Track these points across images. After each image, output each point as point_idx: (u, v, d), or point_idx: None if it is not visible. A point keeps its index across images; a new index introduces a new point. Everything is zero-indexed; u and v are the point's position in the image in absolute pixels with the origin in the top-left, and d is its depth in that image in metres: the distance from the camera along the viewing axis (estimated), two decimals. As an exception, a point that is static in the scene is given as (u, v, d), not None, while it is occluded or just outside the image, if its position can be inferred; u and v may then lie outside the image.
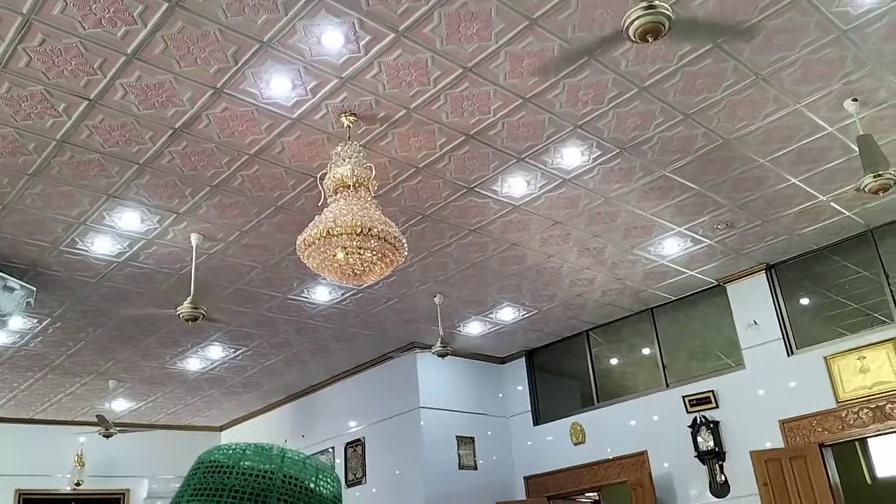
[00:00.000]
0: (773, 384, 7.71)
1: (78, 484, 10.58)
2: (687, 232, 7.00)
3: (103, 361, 8.95)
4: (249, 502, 0.68)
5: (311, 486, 0.71)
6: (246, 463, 0.70)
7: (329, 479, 0.74)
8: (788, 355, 7.71)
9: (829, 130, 5.51)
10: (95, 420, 9.72)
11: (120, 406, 10.62)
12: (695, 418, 8.14)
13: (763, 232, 7.16)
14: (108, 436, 9.70)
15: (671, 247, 7.31)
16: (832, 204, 6.70)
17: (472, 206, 6.17)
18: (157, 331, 8.15)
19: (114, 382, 9.71)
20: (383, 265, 4.67)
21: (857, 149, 5.28)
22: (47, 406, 10.38)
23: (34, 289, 6.55)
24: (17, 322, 7.33)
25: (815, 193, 6.46)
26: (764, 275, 7.99)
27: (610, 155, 5.59)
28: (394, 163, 5.42)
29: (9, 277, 6.26)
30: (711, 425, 8.02)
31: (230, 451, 0.72)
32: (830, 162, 5.95)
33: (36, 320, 7.55)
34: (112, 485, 11.23)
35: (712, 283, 8.33)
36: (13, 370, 8.89)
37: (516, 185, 5.93)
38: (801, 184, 6.26)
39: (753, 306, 8.01)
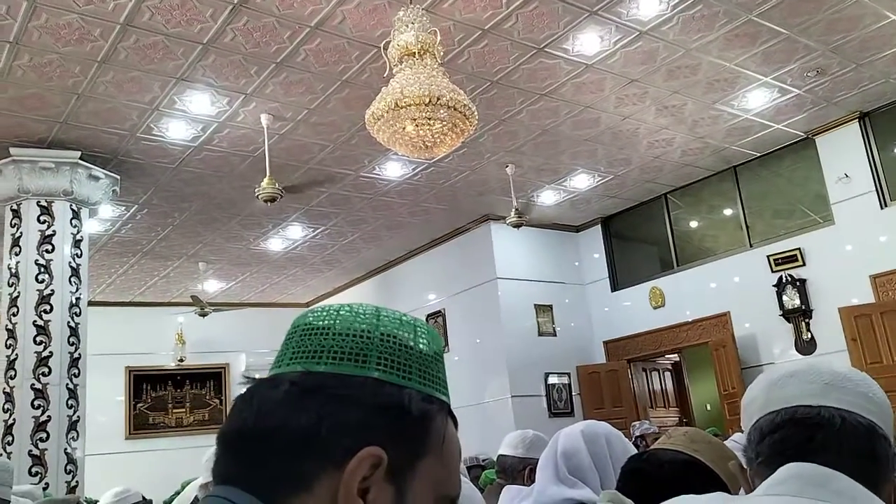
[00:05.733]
0: (863, 239, 7.41)
1: (181, 360, 11.33)
2: (774, 82, 6.57)
3: (191, 245, 9.33)
4: (349, 363, 0.67)
5: (411, 343, 0.70)
6: (340, 324, 0.69)
7: (428, 335, 0.72)
8: (881, 208, 7.35)
9: (939, -45, 4.96)
10: (191, 300, 10.25)
11: (212, 287, 11.15)
12: (780, 277, 7.97)
13: (857, 77, 6.66)
14: (203, 315, 10.24)
15: (756, 99, 6.90)
16: (938, 41, 6.14)
17: (543, 68, 5.92)
18: (239, 213, 8.38)
19: (203, 265, 10.16)
20: (454, 135, 4.56)
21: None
22: (144, 289, 11.00)
23: (118, 177, 6.78)
24: (107, 210, 7.65)
25: (918, 30, 5.92)
26: (857, 124, 7.50)
27: (691, 1, 5.20)
28: (458, 26, 5.20)
29: (93, 167, 6.47)
30: (798, 283, 7.84)
31: (324, 313, 0.70)
32: (939, -8, 5.40)
33: (123, 208, 7.86)
34: (212, 360, 11.99)
35: (800, 136, 7.88)
36: (109, 256, 9.38)
37: (589, 43, 5.62)
38: (903, 20, 5.73)
39: (844, 158, 7.59)
